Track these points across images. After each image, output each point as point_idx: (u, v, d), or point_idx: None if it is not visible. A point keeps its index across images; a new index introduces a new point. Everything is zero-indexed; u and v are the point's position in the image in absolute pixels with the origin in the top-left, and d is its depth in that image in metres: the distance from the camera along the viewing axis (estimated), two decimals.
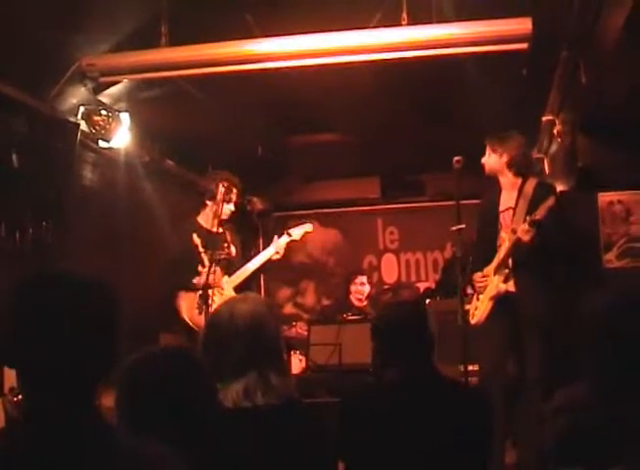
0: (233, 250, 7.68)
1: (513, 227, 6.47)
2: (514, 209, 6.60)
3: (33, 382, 2.03)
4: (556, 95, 7.51)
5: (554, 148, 8.83)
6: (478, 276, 6.68)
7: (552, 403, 2.65)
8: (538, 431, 2.89)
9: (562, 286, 7.04)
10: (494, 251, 6.63)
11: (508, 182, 6.70)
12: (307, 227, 8.33)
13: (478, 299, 6.71)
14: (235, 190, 7.59)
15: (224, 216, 7.46)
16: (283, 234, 8.07)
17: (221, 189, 7.35)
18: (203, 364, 2.91)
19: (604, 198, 8.25)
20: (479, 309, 6.65)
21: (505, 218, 6.66)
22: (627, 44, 5.60)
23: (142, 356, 2.81)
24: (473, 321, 6.60)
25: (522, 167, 6.74)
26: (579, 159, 8.12)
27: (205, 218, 7.60)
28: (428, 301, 8.89)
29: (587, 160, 8.08)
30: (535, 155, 9.08)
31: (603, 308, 2.36)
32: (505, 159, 6.65)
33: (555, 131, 8.20)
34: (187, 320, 7.26)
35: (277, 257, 7.96)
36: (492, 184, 6.81)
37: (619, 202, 8.21)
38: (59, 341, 1.99)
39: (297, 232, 8.14)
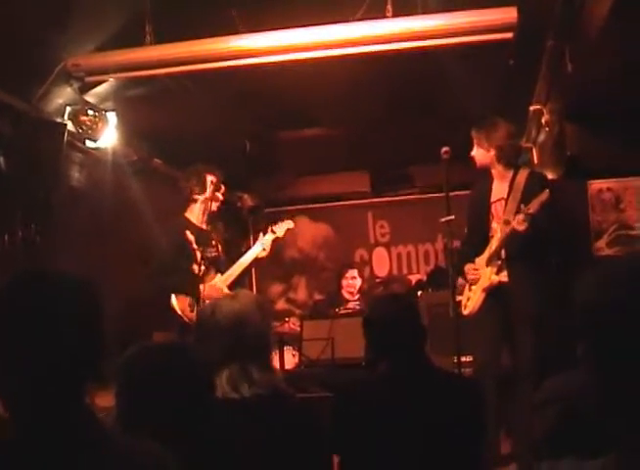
0: (219, 248, 7.70)
1: (505, 218, 6.45)
2: (506, 199, 6.58)
3: (18, 383, 2.02)
4: (543, 84, 7.51)
5: (542, 137, 8.84)
6: (469, 267, 6.67)
7: (541, 393, 2.65)
8: (531, 421, 2.88)
9: (554, 276, 7.04)
10: (486, 242, 6.62)
11: (499, 173, 6.68)
12: (289, 224, 8.32)
13: (470, 290, 6.70)
14: (221, 182, 7.59)
15: (214, 208, 7.46)
16: (267, 232, 8.09)
17: (211, 179, 7.39)
18: (197, 357, 2.93)
19: (593, 186, 8.26)
20: (471, 300, 6.64)
21: (497, 209, 6.64)
22: (612, 32, 5.61)
23: (137, 351, 2.85)
24: (465, 312, 6.59)
25: (511, 158, 6.72)
26: (568, 147, 8.13)
27: (194, 215, 7.54)
28: (419, 293, 8.89)
29: (576, 148, 8.08)
30: (524, 144, 9.08)
31: (592, 292, 2.35)
32: (493, 152, 6.63)
33: (543, 120, 8.20)
34: (182, 316, 7.26)
35: (264, 254, 7.97)
36: (483, 174, 6.79)
37: (609, 189, 8.22)
38: (40, 341, 1.98)
39: (279, 229, 8.16)
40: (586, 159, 8.15)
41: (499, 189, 6.68)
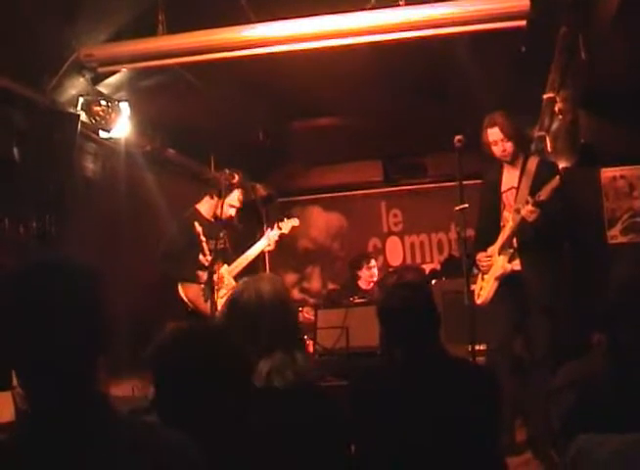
0: (227, 241, 7.86)
1: (516, 207, 6.44)
2: (517, 188, 6.57)
3: (29, 373, 2.03)
4: (556, 72, 7.48)
5: (555, 125, 8.80)
6: (482, 256, 6.66)
7: (558, 378, 2.65)
8: (546, 409, 2.88)
9: (567, 263, 7.02)
10: (498, 230, 6.61)
11: (511, 162, 6.66)
12: (294, 222, 8.60)
13: (483, 279, 6.70)
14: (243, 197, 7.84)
15: (224, 217, 7.57)
16: (274, 227, 8.32)
17: (238, 196, 7.66)
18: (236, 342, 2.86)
19: (606, 174, 8.24)
20: (484, 289, 6.64)
21: (508, 198, 6.63)
22: (626, 19, 5.58)
23: (177, 335, 2.78)
24: (478, 301, 6.59)
25: (521, 146, 6.71)
26: (581, 135, 8.11)
27: (205, 208, 7.75)
28: (433, 282, 8.89)
29: (589, 136, 8.06)
30: (537, 133, 9.06)
31: (624, 281, 2.35)
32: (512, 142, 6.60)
33: (556, 109, 8.17)
34: (189, 304, 7.34)
35: (269, 248, 8.22)
36: (493, 163, 6.77)
37: (622, 177, 8.20)
38: (46, 329, 1.98)
39: (285, 226, 8.41)
40: (599, 146, 8.13)
41: (509, 178, 6.67)
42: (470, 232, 6.73)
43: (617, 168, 8.20)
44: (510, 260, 6.55)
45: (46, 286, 2.03)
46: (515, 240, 6.54)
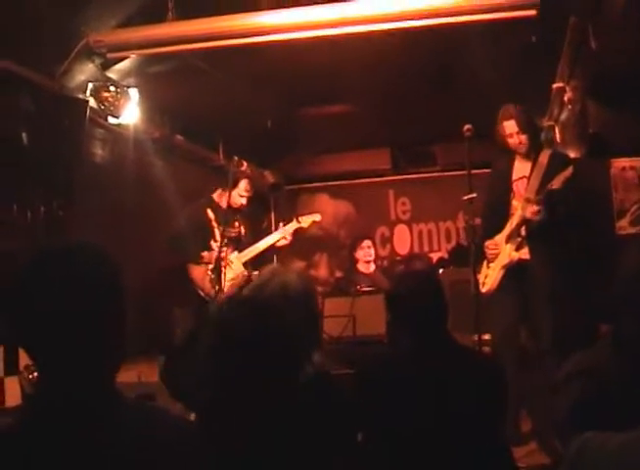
0: (242, 230, 7.90)
1: (527, 196, 6.45)
2: (528, 178, 6.57)
3: (42, 359, 2.04)
4: (565, 62, 7.46)
5: (565, 115, 8.78)
6: (489, 244, 6.65)
7: (565, 369, 2.64)
8: (551, 399, 2.88)
9: (575, 254, 7.01)
10: (506, 219, 6.61)
11: (524, 152, 6.66)
12: (316, 217, 8.61)
13: (488, 267, 6.69)
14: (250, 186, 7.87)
15: (234, 205, 7.63)
16: (292, 220, 8.29)
17: (244, 186, 7.74)
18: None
19: (616, 164, 8.22)
20: (489, 277, 6.63)
21: (518, 187, 6.62)
22: (636, 8, 5.56)
23: (235, 310, 2.80)
24: (483, 290, 6.57)
25: (536, 138, 6.72)
26: (590, 126, 8.09)
27: (219, 197, 7.79)
28: (441, 271, 8.88)
29: (598, 126, 8.04)
30: (546, 122, 9.04)
31: (630, 273, 2.34)
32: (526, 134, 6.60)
33: (565, 98, 8.15)
34: (200, 291, 7.37)
35: (284, 242, 8.14)
36: (503, 152, 6.76)
37: (632, 168, 8.18)
38: (62, 317, 1.99)
39: (306, 220, 8.41)
40: (609, 137, 8.11)
41: (521, 167, 6.66)
42: (478, 221, 6.73)
43: (626, 159, 8.18)
44: (517, 249, 6.55)
45: (67, 269, 2.03)
46: (523, 229, 6.53)
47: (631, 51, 6.70)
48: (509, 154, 6.72)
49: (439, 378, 3.75)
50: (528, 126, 6.58)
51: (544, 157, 6.58)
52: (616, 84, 7.48)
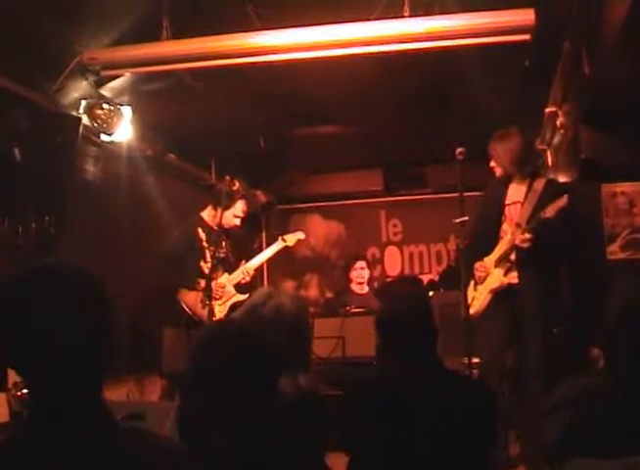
0: (227, 250, 7.89)
1: (517, 221, 6.45)
2: (522, 203, 6.57)
3: (31, 378, 2.04)
4: (559, 86, 7.50)
5: (557, 139, 8.81)
6: (478, 265, 6.64)
7: (553, 397, 2.64)
8: (540, 424, 2.87)
9: (566, 279, 7.01)
10: (495, 241, 6.61)
11: (518, 179, 6.67)
12: (300, 235, 8.63)
13: (475, 289, 6.67)
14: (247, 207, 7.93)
15: (226, 225, 7.62)
16: (277, 240, 8.38)
17: (242, 208, 7.74)
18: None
19: (607, 189, 8.22)
20: (477, 300, 6.62)
21: (510, 212, 6.62)
22: (630, 34, 5.58)
23: (214, 335, 2.82)
24: (471, 312, 6.54)
25: (527, 166, 6.72)
26: (582, 150, 8.10)
27: (209, 216, 7.75)
28: (431, 293, 8.87)
29: (590, 151, 8.05)
30: (538, 146, 9.06)
31: (623, 302, 2.34)
32: (510, 169, 6.62)
33: (558, 123, 8.18)
34: (189, 311, 7.36)
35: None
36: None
37: (623, 193, 8.18)
38: (50, 337, 1.99)
39: (291, 238, 8.44)
40: (600, 162, 8.12)
41: (516, 192, 6.66)
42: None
43: (617, 184, 8.19)
44: (505, 274, 6.54)
45: (53, 290, 2.03)
46: (513, 254, 6.52)
47: (625, 76, 6.72)
48: (506, 177, 6.72)
49: (428, 402, 3.74)
50: (506, 161, 6.62)
51: (539, 183, 6.58)
52: (608, 109, 7.49)
